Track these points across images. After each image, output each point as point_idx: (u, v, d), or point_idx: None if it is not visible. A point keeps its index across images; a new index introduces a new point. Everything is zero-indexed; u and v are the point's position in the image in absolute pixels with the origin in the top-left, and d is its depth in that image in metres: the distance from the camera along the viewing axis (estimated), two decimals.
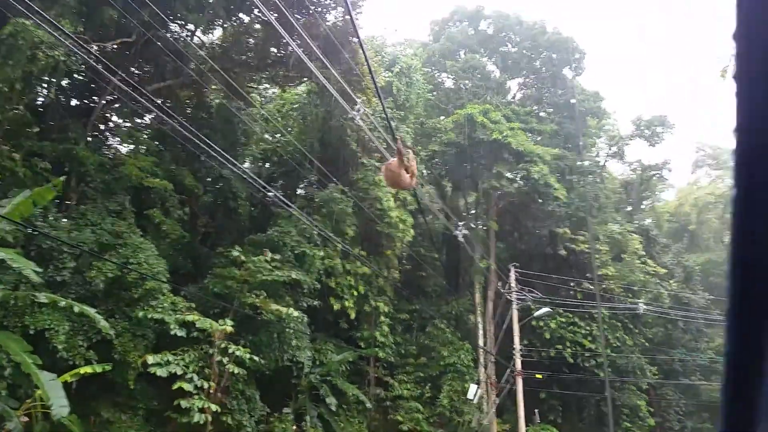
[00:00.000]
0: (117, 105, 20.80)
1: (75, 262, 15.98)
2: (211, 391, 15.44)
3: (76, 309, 13.33)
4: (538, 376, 28.35)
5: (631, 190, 43.06)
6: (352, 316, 24.93)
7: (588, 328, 32.21)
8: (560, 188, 30.16)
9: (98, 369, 13.83)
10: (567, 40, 34.16)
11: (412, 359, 28.83)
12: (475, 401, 27.19)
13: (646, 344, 35.50)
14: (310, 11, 21.24)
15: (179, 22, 20.43)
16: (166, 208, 19.26)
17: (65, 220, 16.68)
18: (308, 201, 24.72)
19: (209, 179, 24.84)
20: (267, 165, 30.49)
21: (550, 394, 31.41)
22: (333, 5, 21.38)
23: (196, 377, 15.27)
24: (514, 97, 38.56)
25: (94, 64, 15.01)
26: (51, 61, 15.48)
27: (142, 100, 17.14)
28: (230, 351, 16.04)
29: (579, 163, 35.32)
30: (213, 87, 23.20)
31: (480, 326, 31.14)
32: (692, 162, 52.85)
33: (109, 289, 16.15)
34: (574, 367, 31.21)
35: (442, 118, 32.08)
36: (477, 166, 31.31)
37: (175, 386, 14.83)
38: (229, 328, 16.04)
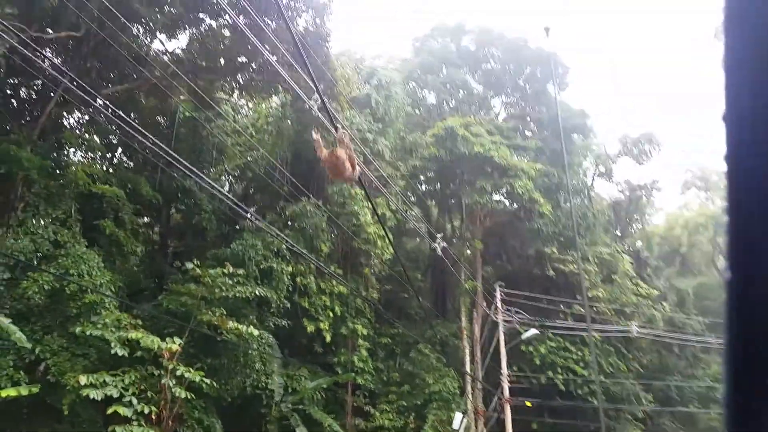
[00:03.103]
0: (73, 110, 19.46)
1: (11, 273, 14.41)
2: (153, 416, 13.65)
3: None
4: (527, 403, 26.75)
5: (619, 211, 41.99)
6: (328, 339, 23.27)
7: (579, 353, 30.71)
8: (545, 204, 28.99)
9: (23, 392, 12.12)
10: (550, 55, 33.42)
11: (394, 387, 26.95)
12: (461, 431, 25.39)
13: (641, 370, 33.98)
14: (280, 15, 20.18)
15: (141, 23, 19.27)
16: (120, 219, 17.72)
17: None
18: (279, 216, 23.33)
19: (177, 193, 23.42)
20: (243, 183, 29.25)
21: (541, 424, 29.66)
22: (304, 8, 20.35)
23: (135, 401, 13.54)
24: (497, 116, 37.69)
25: (32, 56, 13.75)
26: None
27: (95, 104, 15.86)
28: (178, 373, 14.29)
29: (565, 182, 34.26)
30: (181, 98, 22.03)
31: (467, 351, 29.45)
32: (681, 183, 51.91)
33: (48, 304, 14.51)
34: (566, 394, 29.59)
35: (426, 134, 31.01)
36: (460, 181, 30.13)
37: (110, 410, 13.08)
38: (176, 347, 14.33)
